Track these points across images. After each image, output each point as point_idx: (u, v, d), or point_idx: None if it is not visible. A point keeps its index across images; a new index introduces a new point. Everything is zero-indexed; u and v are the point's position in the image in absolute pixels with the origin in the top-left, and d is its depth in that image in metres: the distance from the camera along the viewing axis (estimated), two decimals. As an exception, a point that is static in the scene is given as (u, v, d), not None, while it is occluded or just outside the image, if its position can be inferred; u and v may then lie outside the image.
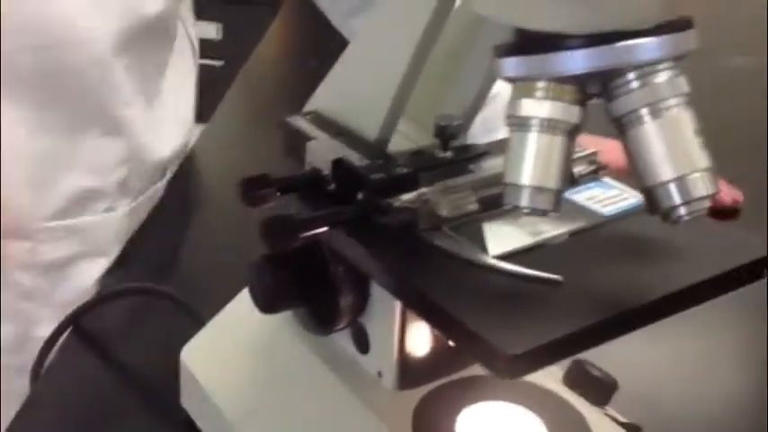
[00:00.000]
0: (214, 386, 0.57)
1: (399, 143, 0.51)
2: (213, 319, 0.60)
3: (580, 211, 0.47)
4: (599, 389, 0.54)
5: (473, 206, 0.46)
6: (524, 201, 0.40)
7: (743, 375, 0.69)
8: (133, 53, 0.75)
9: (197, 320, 0.63)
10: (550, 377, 0.54)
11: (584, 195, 0.48)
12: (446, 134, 0.49)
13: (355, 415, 0.51)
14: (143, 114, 0.79)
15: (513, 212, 0.43)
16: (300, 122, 0.50)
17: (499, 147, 0.49)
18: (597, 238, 0.45)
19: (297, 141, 0.49)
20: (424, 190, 0.45)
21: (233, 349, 0.58)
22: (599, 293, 0.41)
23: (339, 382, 0.53)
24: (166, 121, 0.83)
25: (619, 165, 0.59)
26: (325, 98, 0.51)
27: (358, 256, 0.44)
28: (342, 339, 0.53)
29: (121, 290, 0.70)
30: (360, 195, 0.45)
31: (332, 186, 0.47)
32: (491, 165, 0.48)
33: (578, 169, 0.49)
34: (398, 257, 0.43)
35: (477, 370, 0.53)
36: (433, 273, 0.42)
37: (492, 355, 0.37)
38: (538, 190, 0.40)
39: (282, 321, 0.57)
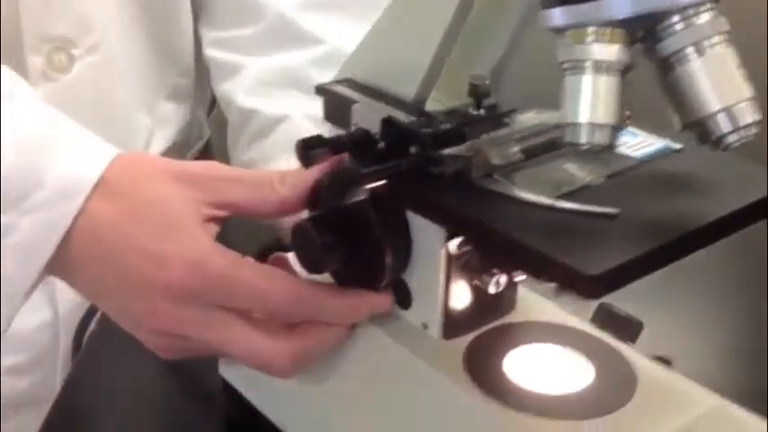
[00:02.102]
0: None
1: (430, 105, 0.54)
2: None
3: (613, 156, 0.50)
4: (626, 328, 0.57)
5: (517, 156, 0.49)
6: (584, 137, 0.43)
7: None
8: None
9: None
10: (578, 319, 0.58)
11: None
12: (479, 93, 0.52)
13: (406, 363, 0.54)
14: None
15: (556, 160, 0.46)
16: (338, 88, 0.52)
17: (527, 104, 0.53)
18: (634, 177, 0.49)
19: (337, 106, 0.52)
20: (470, 143, 0.48)
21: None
22: (653, 222, 0.44)
23: (384, 334, 0.55)
24: None
25: None
26: (358, 65, 0.53)
27: (425, 201, 0.46)
28: None
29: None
30: (412, 150, 0.48)
31: (381, 145, 0.49)
32: (524, 119, 0.51)
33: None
34: (462, 201, 0.46)
35: (515, 317, 0.56)
36: (497, 212, 0.45)
37: (574, 277, 0.40)
38: (596, 126, 0.43)
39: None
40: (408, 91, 0.50)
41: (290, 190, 0.52)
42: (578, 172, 0.48)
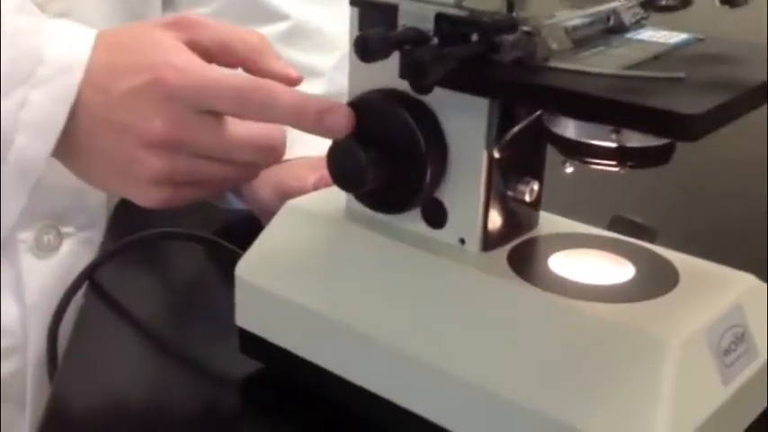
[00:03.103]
0: (288, 288, 0.57)
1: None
2: (262, 234, 0.60)
3: (649, 43, 0.52)
4: (642, 235, 0.59)
5: (568, 44, 0.50)
6: None
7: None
8: None
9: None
10: (600, 229, 0.59)
11: (643, 36, 0.54)
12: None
13: (449, 273, 0.54)
14: None
15: (603, 47, 0.49)
16: (376, -2, 0.53)
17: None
18: (677, 56, 0.51)
19: (378, 13, 0.52)
20: (519, 33, 0.49)
21: (295, 252, 0.58)
22: (718, 82, 0.46)
23: (423, 252, 0.55)
24: None
25: None
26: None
27: (502, 81, 0.47)
28: (404, 221, 0.56)
29: (139, 238, 0.68)
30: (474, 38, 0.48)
31: (434, 41, 0.49)
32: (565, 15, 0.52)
33: (627, 17, 0.54)
34: (535, 78, 0.47)
35: (541, 232, 0.57)
36: (575, 83, 0.46)
37: (676, 120, 0.41)
38: None
39: (339, 215, 0.58)
40: (450, -9, 0.51)
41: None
42: (629, 53, 0.50)
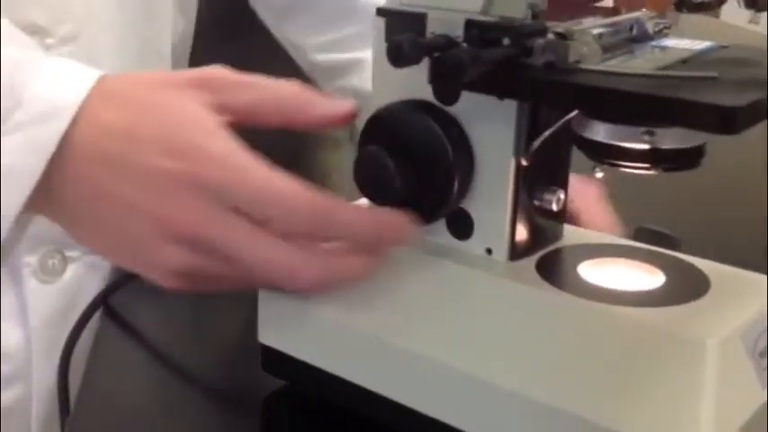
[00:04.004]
0: (313, 302, 0.56)
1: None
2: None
3: (675, 50, 0.53)
4: (667, 245, 0.59)
5: (597, 49, 0.50)
6: None
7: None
8: None
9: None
10: (625, 239, 0.59)
11: (667, 43, 0.54)
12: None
13: (480, 282, 0.53)
14: None
15: (630, 53, 0.49)
16: (403, 7, 0.53)
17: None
18: (705, 60, 0.51)
19: (407, 23, 0.52)
20: (548, 38, 0.49)
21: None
22: (752, 79, 0.47)
23: (451, 263, 0.54)
24: None
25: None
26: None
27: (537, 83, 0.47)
28: (428, 233, 0.56)
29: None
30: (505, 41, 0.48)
31: (464, 47, 0.50)
32: (590, 23, 0.53)
33: (650, 26, 0.55)
34: (570, 79, 0.47)
35: (566, 243, 0.57)
36: (610, 82, 0.46)
37: (717, 112, 0.41)
38: None
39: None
40: (475, 1, 0.51)
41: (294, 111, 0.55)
42: (655, 57, 0.51)
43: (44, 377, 0.73)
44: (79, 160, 0.53)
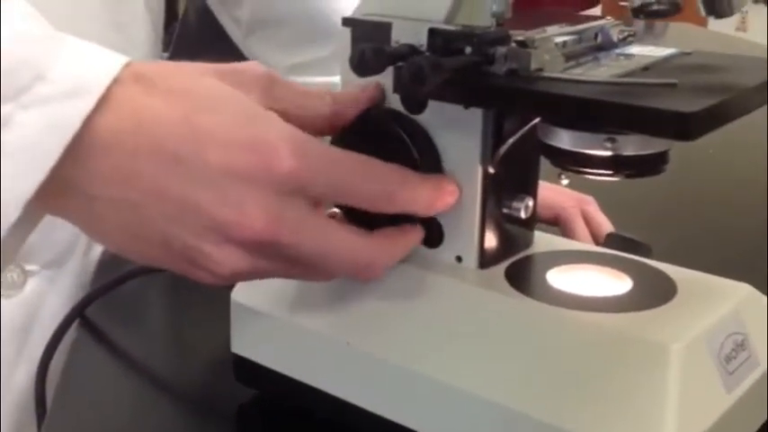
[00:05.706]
0: (285, 311, 0.57)
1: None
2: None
3: (639, 56, 0.53)
4: (637, 251, 0.59)
5: (560, 57, 0.51)
6: None
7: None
8: None
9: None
10: (595, 246, 0.60)
11: (631, 51, 0.55)
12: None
13: (449, 290, 0.54)
14: None
15: (592, 61, 0.49)
16: (369, 17, 0.53)
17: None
18: (667, 67, 0.52)
19: (371, 31, 0.52)
20: (511, 45, 0.50)
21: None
22: (710, 87, 0.47)
23: (420, 270, 0.55)
24: None
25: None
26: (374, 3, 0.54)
27: (498, 91, 0.48)
28: None
29: (130, 272, 0.68)
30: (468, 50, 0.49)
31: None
32: (554, 31, 0.53)
33: (614, 34, 0.55)
34: (530, 86, 0.47)
35: (536, 250, 0.57)
36: (569, 89, 0.46)
37: (673, 119, 0.42)
38: None
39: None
40: (440, 11, 0.51)
41: (343, 107, 0.52)
42: (619, 64, 0.51)
43: (9, 390, 0.73)
44: (115, 151, 0.46)
